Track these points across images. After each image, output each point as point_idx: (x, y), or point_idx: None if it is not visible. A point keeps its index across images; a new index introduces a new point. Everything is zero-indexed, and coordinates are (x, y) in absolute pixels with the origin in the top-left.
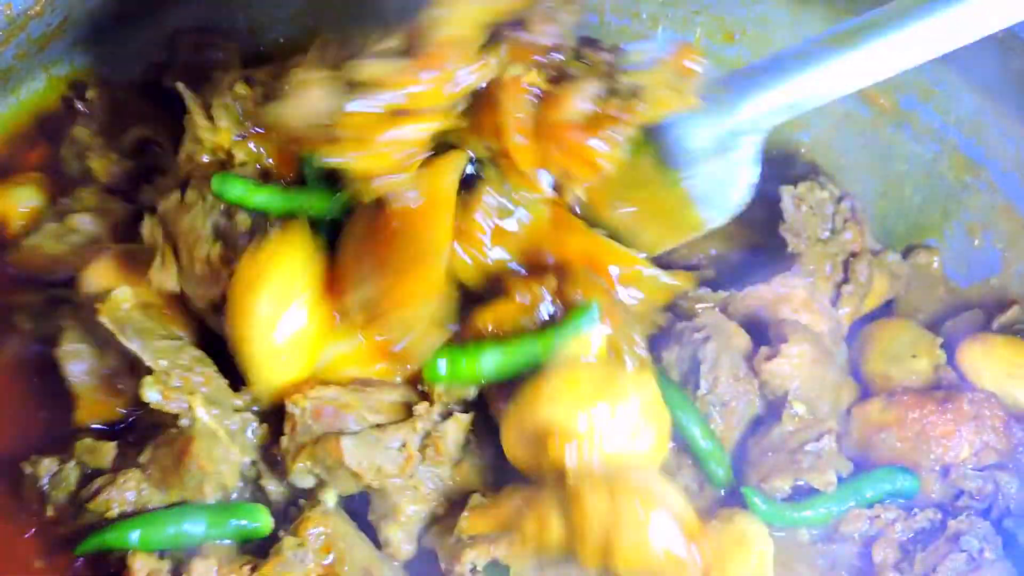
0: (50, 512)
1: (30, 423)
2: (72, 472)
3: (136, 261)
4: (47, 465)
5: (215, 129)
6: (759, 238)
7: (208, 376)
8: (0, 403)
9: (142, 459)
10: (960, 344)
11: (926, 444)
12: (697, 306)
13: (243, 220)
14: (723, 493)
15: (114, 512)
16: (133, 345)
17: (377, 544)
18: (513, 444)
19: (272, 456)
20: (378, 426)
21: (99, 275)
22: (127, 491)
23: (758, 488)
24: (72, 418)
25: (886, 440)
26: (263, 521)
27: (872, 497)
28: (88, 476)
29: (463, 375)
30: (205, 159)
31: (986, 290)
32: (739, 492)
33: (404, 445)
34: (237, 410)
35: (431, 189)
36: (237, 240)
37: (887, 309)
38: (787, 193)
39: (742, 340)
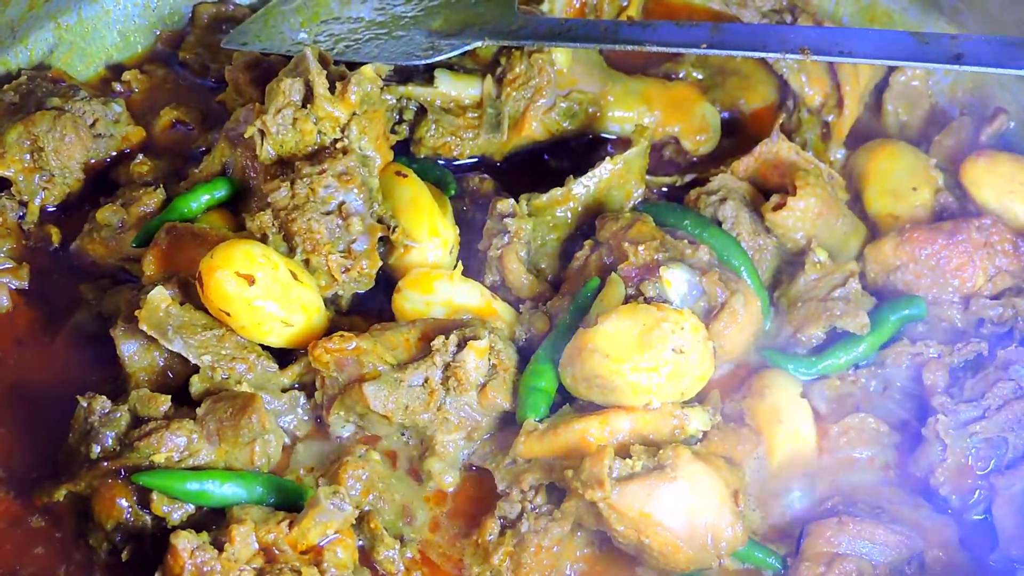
0: (95, 452)
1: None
2: (125, 415)
3: (198, 240)
4: (102, 402)
5: (342, 101)
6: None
7: (251, 363)
8: (56, 370)
9: (199, 411)
10: (965, 161)
11: (943, 278)
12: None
13: (355, 223)
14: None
15: (161, 456)
16: (175, 347)
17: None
18: (571, 384)
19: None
20: (399, 366)
21: (160, 257)
22: (179, 437)
23: (794, 339)
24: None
25: (902, 277)
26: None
27: (892, 325)
28: (138, 421)
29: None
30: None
31: (971, 100)
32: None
33: (427, 381)
34: (285, 390)
35: None
36: (351, 245)
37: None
38: None
39: (756, 197)
